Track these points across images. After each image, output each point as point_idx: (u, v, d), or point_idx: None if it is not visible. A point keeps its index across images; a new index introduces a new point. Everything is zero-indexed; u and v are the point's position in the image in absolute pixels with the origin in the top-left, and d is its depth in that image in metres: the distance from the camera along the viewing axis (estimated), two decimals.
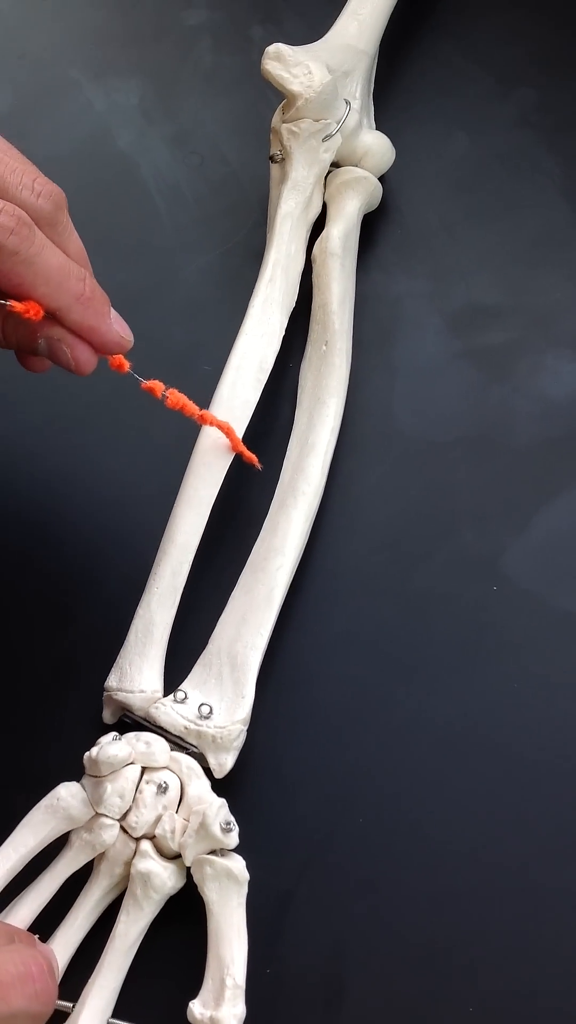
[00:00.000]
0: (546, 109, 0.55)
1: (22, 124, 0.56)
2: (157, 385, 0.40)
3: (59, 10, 0.61)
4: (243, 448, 0.44)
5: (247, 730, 0.41)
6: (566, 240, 0.51)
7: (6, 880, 0.38)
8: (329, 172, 0.50)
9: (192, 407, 0.41)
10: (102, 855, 0.39)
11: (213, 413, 0.44)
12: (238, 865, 0.38)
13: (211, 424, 0.43)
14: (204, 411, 0.42)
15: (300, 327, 0.48)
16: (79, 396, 0.49)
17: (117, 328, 0.39)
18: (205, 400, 0.45)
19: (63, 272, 0.36)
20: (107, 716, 0.42)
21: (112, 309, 0.39)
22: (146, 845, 0.38)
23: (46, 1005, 0.33)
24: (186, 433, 0.45)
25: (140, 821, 0.39)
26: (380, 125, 0.53)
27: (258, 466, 0.45)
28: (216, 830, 0.38)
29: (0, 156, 0.36)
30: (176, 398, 0.41)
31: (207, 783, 0.40)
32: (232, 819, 0.38)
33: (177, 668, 0.42)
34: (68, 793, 0.39)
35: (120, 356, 0.39)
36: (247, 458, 0.44)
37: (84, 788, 0.39)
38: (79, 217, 0.52)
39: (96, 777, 0.39)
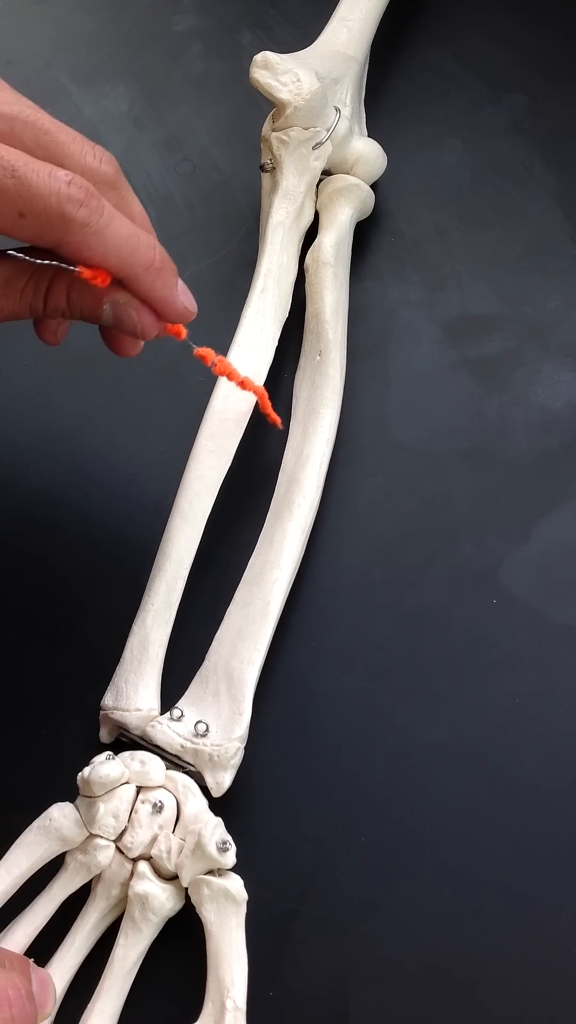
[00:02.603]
0: (538, 115, 0.54)
1: None
2: (208, 353, 0.41)
3: (48, 16, 0.60)
4: (271, 411, 0.45)
5: (245, 748, 0.40)
6: (561, 248, 0.51)
7: (0, 903, 0.37)
8: (321, 180, 0.49)
9: (236, 374, 0.43)
10: (99, 877, 0.38)
11: (208, 424, 0.45)
12: (236, 885, 0.37)
13: (251, 390, 0.44)
14: (245, 377, 0.43)
15: (294, 337, 0.48)
16: (72, 411, 0.49)
17: (183, 299, 0.38)
18: (198, 413, 0.45)
19: (133, 241, 0.35)
20: (104, 735, 0.42)
21: (179, 279, 0.38)
22: (143, 866, 0.38)
23: None
24: (179, 447, 0.45)
25: (135, 841, 0.38)
26: (372, 132, 0.52)
27: (280, 426, 0.46)
28: (212, 850, 0.37)
29: (60, 126, 0.35)
30: (223, 366, 0.42)
31: (204, 802, 0.39)
32: (228, 838, 0.38)
33: (175, 685, 0.42)
34: (60, 814, 0.38)
35: (180, 324, 0.39)
36: (272, 419, 0.46)
37: (77, 808, 0.38)
38: None
39: (89, 797, 0.38)
